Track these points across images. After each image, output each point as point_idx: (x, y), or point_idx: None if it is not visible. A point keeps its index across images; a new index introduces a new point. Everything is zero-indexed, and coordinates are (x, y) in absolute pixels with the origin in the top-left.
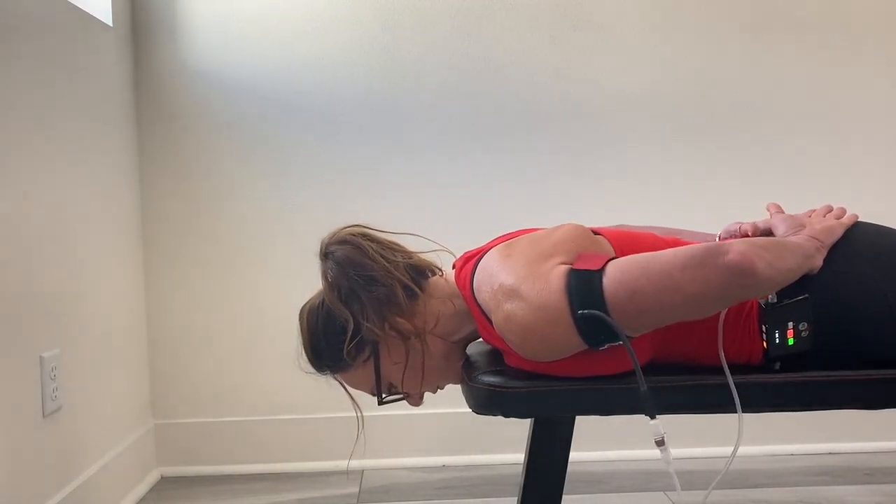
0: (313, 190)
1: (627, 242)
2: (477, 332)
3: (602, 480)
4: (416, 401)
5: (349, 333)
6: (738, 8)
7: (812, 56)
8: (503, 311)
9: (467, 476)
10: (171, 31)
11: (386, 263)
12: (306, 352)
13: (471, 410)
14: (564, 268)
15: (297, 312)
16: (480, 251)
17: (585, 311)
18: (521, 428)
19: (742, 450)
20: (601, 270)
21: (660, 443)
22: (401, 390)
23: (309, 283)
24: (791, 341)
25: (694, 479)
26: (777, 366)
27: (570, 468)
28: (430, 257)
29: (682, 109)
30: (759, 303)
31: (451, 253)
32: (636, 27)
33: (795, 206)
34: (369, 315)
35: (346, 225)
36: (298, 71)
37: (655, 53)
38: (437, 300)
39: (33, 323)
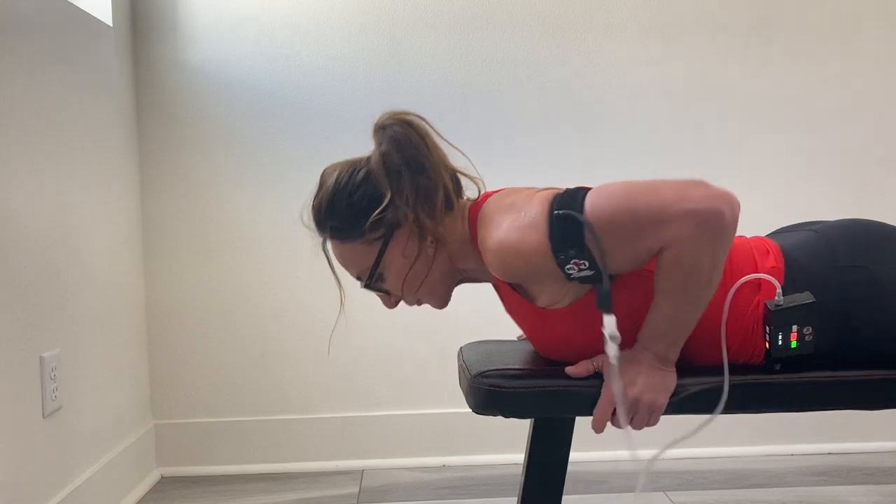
0: (313, 187)
1: None
2: (474, 273)
3: (602, 480)
4: (392, 303)
5: (384, 204)
6: (740, 8)
7: (815, 55)
8: (489, 228)
9: (467, 476)
10: (171, 30)
11: (441, 160)
12: (319, 205)
13: (471, 410)
14: (554, 191)
15: (298, 313)
16: (494, 192)
17: (561, 211)
18: (521, 428)
19: (742, 450)
20: (587, 189)
21: (613, 337)
22: (385, 286)
23: (310, 283)
24: (794, 344)
25: (693, 478)
26: (777, 366)
27: (570, 468)
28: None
29: (684, 109)
30: (766, 304)
31: (482, 184)
32: (637, 27)
33: (799, 205)
34: (404, 198)
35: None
36: (299, 69)
37: (656, 53)
38: (459, 220)
39: (33, 323)
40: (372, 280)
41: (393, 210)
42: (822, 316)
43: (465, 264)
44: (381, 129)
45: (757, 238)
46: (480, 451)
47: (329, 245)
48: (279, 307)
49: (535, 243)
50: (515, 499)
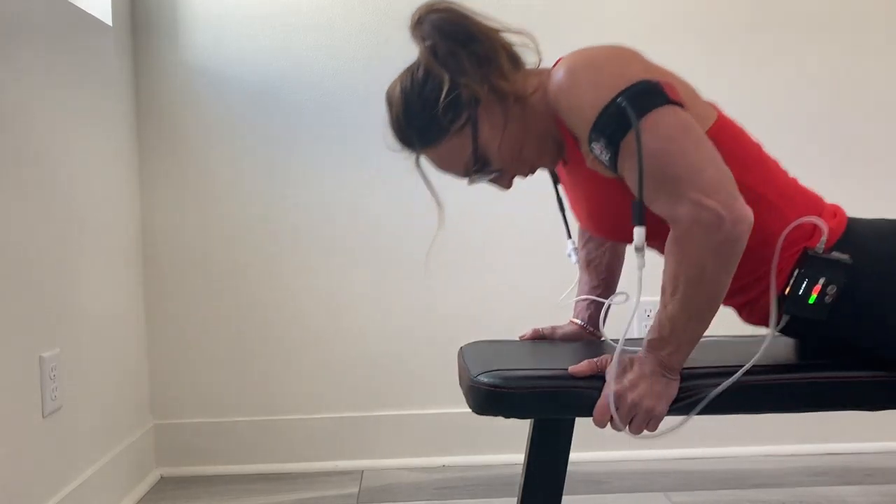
0: (314, 186)
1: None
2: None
3: (602, 480)
4: (507, 182)
5: (444, 91)
6: (739, 8)
7: (816, 53)
8: (568, 59)
9: (467, 476)
10: (171, 29)
11: (488, 25)
12: (397, 119)
13: (471, 410)
14: (643, 74)
15: (299, 313)
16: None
17: (624, 104)
18: (521, 428)
19: (742, 450)
20: (677, 104)
21: (639, 249)
22: (494, 166)
23: (312, 282)
24: (812, 299)
25: (693, 478)
26: (783, 323)
27: (570, 468)
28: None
29: None
30: (805, 248)
31: (534, 43)
32: (636, 26)
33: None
34: (469, 73)
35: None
36: (298, 68)
37: (656, 53)
38: (534, 75)
39: (33, 323)
40: (479, 165)
41: (465, 88)
42: (851, 283)
43: (547, 122)
44: (418, 24)
45: (834, 205)
46: (480, 451)
47: (423, 160)
48: (280, 307)
49: (583, 104)
50: (515, 499)
